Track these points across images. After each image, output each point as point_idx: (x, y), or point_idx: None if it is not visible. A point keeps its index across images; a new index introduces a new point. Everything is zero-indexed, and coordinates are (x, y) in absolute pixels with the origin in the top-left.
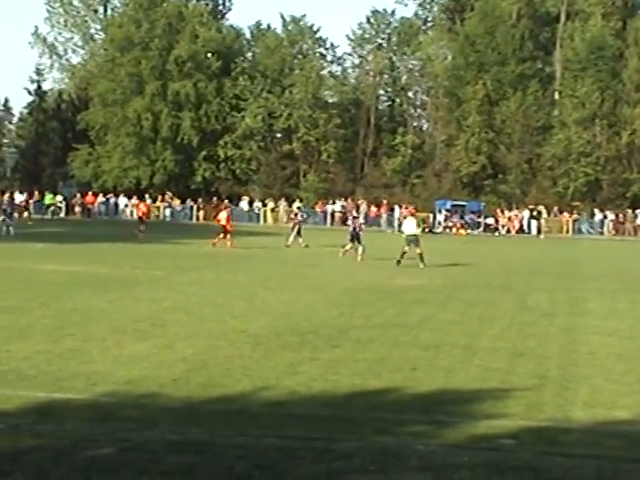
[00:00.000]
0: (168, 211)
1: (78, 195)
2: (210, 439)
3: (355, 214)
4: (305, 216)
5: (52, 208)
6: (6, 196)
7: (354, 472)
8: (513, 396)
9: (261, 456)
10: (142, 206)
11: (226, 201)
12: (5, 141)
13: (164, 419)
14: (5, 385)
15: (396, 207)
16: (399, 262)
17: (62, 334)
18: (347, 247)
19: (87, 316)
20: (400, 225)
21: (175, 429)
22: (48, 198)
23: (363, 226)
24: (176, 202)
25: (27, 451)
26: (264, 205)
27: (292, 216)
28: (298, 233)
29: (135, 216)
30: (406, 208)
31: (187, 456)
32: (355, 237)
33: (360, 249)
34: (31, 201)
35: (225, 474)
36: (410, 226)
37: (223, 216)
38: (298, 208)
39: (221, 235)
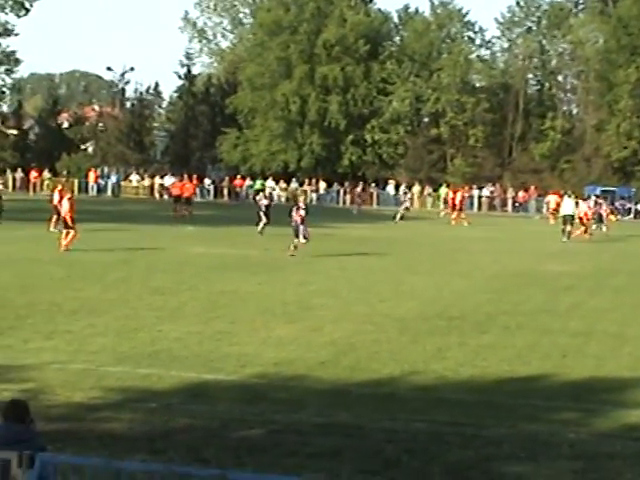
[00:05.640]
0: (314, 195)
1: (226, 178)
2: (358, 422)
3: None
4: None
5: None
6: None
7: (504, 459)
8: None
9: (410, 440)
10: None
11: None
12: (155, 125)
13: (312, 401)
14: (158, 365)
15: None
16: (565, 238)
17: (212, 316)
18: None
19: (236, 298)
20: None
21: (323, 411)
22: (259, 184)
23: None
24: (322, 186)
25: (179, 430)
26: (410, 189)
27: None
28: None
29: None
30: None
31: (335, 439)
32: None
33: None
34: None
35: (373, 457)
36: (567, 206)
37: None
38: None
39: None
